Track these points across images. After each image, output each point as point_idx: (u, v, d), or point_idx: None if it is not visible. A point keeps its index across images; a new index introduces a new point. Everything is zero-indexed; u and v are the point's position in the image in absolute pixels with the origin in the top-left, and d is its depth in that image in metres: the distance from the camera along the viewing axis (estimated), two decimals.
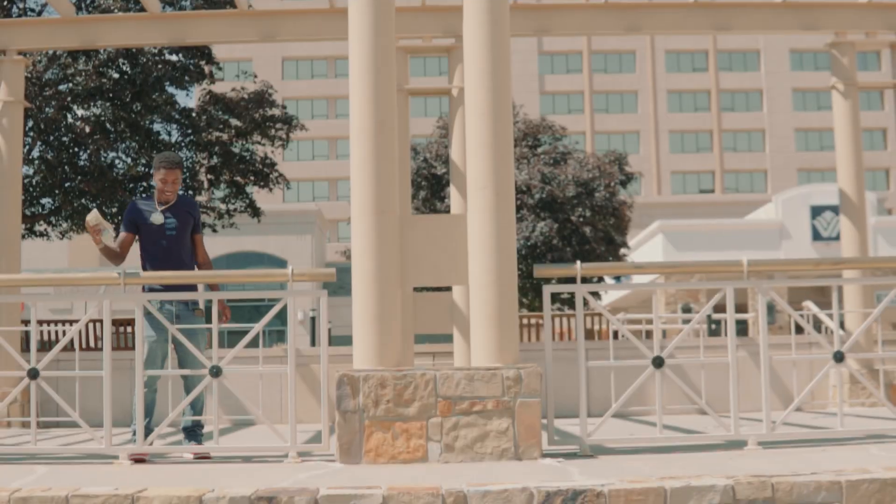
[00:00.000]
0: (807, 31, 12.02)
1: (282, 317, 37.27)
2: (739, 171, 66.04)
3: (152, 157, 17.65)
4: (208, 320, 7.49)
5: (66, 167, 17.22)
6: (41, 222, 18.32)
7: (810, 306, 12.46)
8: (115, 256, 7.32)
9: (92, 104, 17.00)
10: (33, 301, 7.03)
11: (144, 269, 7.30)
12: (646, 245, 39.51)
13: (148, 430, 6.79)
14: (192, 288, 7.27)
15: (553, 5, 11.98)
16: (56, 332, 14.49)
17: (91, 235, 7.20)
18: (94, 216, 7.12)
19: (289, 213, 49.46)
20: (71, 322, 14.26)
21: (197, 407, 7.30)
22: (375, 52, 6.70)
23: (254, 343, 16.28)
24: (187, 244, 7.41)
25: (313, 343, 43.09)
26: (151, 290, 7.12)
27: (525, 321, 14.30)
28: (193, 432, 7.32)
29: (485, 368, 6.34)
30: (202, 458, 6.92)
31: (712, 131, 65.95)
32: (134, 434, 6.82)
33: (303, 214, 50.19)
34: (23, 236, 16.28)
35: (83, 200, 17.60)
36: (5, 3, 16.44)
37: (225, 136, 18.61)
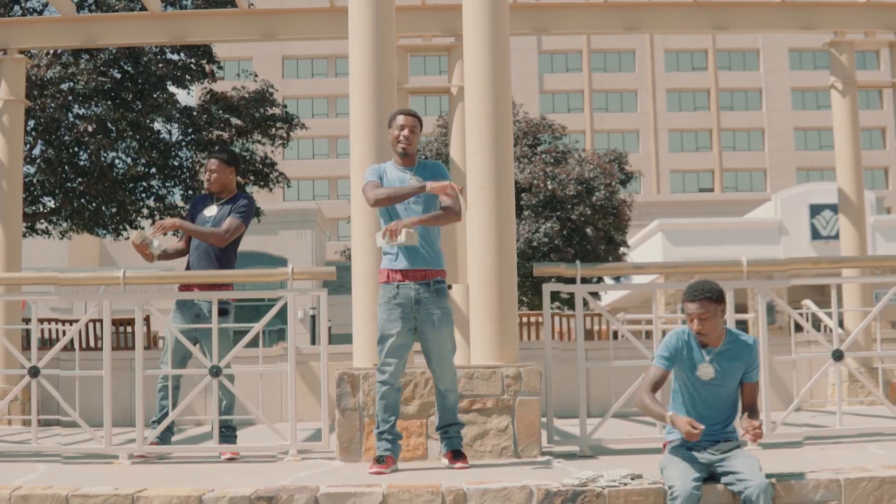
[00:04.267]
0: (806, 30, 12.03)
1: (282, 315, 37.25)
2: (739, 170, 65.98)
3: (152, 156, 17.61)
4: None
5: (66, 167, 17.20)
6: (42, 221, 18.31)
7: (809, 305, 12.45)
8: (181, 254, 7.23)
9: (93, 103, 16.99)
10: (34, 299, 7.04)
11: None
12: (645, 244, 39.49)
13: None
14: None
15: (552, 4, 11.98)
16: (57, 331, 14.49)
17: (141, 255, 7.03)
18: (137, 235, 6.99)
19: (289, 211, 49.41)
20: (71, 322, 14.25)
21: None
22: (375, 50, 6.71)
23: (254, 343, 16.22)
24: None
25: (313, 341, 43.01)
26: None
27: (525, 320, 14.27)
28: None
29: (484, 367, 6.35)
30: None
31: (711, 130, 65.89)
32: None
33: (303, 213, 50.14)
34: (24, 234, 16.27)
35: (83, 201, 17.58)
36: (7, 1, 16.42)
37: (225, 135, 18.59)
